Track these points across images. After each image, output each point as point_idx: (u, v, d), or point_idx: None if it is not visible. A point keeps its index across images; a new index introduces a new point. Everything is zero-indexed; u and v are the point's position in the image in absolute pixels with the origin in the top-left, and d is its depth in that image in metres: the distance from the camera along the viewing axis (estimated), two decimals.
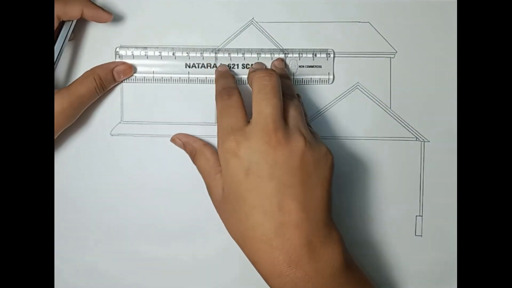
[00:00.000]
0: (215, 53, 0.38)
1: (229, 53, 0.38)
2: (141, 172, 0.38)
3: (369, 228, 0.37)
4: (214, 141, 0.36)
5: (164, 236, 0.38)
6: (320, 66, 0.38)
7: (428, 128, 0.37)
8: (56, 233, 0.37)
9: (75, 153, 0.38)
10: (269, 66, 0.37)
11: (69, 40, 0.36)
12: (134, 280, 0.38)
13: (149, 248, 0.38)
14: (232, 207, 0.31)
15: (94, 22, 0.37)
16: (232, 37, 0.38)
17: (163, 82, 0.38)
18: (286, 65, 0.37)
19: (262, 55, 0.38)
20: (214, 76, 0.37)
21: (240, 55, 0.38)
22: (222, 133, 0.31)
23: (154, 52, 0.37)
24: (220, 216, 0.33)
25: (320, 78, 0.38)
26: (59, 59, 0.35)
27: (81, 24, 0.37)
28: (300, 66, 0.38)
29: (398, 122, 0.38)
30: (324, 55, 0.38)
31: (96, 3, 0.36)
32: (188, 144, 0.36)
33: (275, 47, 0.38)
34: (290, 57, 0.38)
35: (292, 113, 0.31)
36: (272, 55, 0.38)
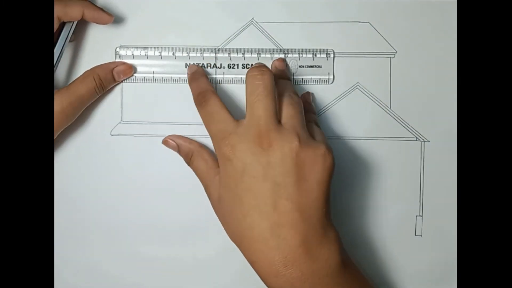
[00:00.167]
0: (215, 53, 0.38)
1: (229, 53, 0.37)
2: (141, 172, 0.38)
3: (369, 228, 0.37)
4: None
5: (164, 236, 0.38)
6: (320, 66, 0.38)
7: (428, 128, 0.37)
8: (56, 233, 0.37)
9: (75, 153, 0.38)
10: (269, 66, 0.37)
11: (70, 41, 0.36)
12: (134, 280, 0.38)
13: (149, 248, 0.38)
14: (230, 208, 0.31)
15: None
16: (232, 37, 0.38)
17: (163, 82, 0.38)
18: (286, 65, 0.37)
19: (262, 55, 0.38)
20: (214, 76, 0.37)
21: (240, 55, 0.37)
22: (215, 140, 0.32)
23: (154, 52, 0.37)
24: (218, 217, 0.33)
25: (320, 78, 0.38)
26: (59, 60, 0.35)
27: (81, 24, 0.37)
28: (300, 66, 0.38)
29: (398, 122, 0.38)
30: (324, 55, 0.38)
31: (97, 4, 0.36)
32: (183, 145, 0.36)
33: (275, 47, 0.38)
34: (290, 57, 0.38)
35: (289, 112, 0.31)
36: (272, 55, 0.38)
